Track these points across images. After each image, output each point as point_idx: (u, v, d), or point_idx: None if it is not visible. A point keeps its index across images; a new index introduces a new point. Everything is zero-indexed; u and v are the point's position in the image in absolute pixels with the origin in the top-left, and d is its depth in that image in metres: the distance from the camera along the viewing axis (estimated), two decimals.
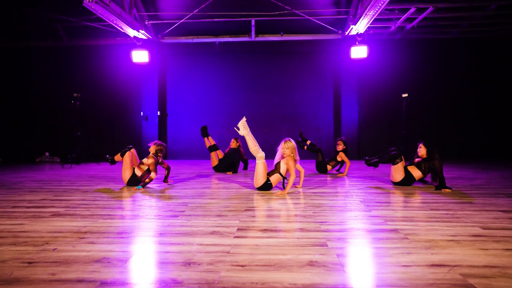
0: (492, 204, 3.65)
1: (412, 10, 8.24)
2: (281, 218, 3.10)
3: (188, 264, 1.96)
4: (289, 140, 4.51)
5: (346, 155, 6.65)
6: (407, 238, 2.43)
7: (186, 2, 9.72)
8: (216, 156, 7.24)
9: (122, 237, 2.49)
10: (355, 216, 3.14)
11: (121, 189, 4.84)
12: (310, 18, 9.30)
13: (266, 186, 4.54)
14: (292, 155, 4.47)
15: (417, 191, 4.57)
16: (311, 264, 1.95)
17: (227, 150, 7.34)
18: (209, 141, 7.35)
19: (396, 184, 5.01)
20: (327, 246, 2.27)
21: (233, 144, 7.30)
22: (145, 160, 4.97)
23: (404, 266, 1.91)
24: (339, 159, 6.72)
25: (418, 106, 10.11)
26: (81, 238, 2.49)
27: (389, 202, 3.81)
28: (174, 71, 11.17)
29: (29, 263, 2.00)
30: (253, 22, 9.78)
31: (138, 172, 4.95)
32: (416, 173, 4.91)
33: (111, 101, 10.88)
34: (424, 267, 1.90)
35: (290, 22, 9.97)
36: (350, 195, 4.29)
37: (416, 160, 4.97)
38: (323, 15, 9.71)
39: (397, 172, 4.93)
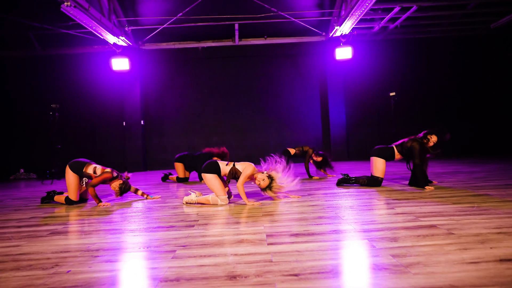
0: (509, 195, 3.60)
1: (396, 9, 8.32)
2: (307, 221, 2.89)
3: (233, 277, 1.71)
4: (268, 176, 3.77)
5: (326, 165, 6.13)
6: (453, 233, 2.28)
7: (167, 7, 9.44)
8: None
9: (143, 251, 2.21)
10: (382, 214, 2.98)
11: (116, 203, 4.49)
12: (294, 20, 9.23)
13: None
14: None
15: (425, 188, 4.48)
16: (372, 267, 1.76)
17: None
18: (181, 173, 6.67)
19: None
20: (375, 247, 2.08)
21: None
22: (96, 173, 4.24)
23: (472, 263, 1.75)
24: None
25: (403, 104, 10.20)
26: (95, 256, 2.18)
27: (407, 199, 3.68)
28: (156, 78, 10.80)
29: None
30: (236, 26, 9.60)
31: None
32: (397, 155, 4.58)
33: (91, 111, 10.35)
34: (493, 262, 1.74)
35: (274, 25, 9.87)
36: (361, 194, 4.15)
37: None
38: (307, 17, 9.67)
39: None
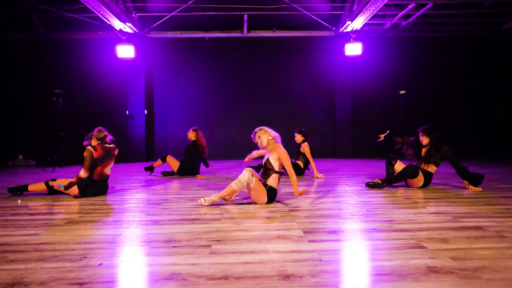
0: None
1: (411, 6, 8.18)
2: (340, 218, 2.75)
3: (287, 277, 1.57)
4: (260, 128, 3.54)
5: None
6: (505, 237, 2.15)
7: None
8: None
9: (174, 246, 2.05)
10: (417, 213, 2.85)
11: (123, 192, 4.32)
12: (305, 13, 9.04)
13: (272, 194, 3.37)
14: (272, 142, 3.44)
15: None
16: (432, 270, 1.62)
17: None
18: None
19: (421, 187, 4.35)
20: (427, 247, 1.95)
21: (191, 135, 6.12)
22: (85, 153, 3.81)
23: None
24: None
25: (411, 103, 10.09)
26: (123, 251, 2.02)
27: (435, 198, 3.56)
28: (161, 68, 10.56)
29: (80, 284, 1.53)
30: (245, 17, 9.39)
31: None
32: (431, 168, 4.29)
33: (94, 99, 10.11)
34: None
35: (283, 18, 9.68)
36: (382, 190, 4.02)
37: (423, 153, 4.32)
38: (318, 11, 9.49)
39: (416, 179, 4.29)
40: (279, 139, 3.51)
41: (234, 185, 3.21)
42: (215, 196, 3.29)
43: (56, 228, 2.53)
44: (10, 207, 3.36)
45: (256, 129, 3.55)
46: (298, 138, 5.81)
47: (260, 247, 2.01)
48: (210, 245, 2.06)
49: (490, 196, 3.61)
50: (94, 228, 2.54)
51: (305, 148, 5.64)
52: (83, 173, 3.73)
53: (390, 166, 4.37)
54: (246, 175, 3.18)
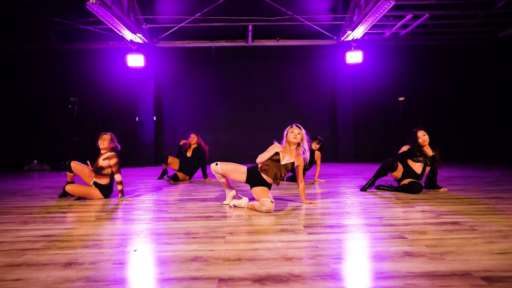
0: None
1: (409, 17, 8.56)
2: (336, 215, 3.11)
3: (289, 259, 1.94)
4: (300, 127, 3.60)
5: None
6: (476, 230, 2.51)
7: (183, 6, 9.66)
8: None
9: (194, 237, 2.43)
10: (406, 211, 3.21)
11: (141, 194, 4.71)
12: (308, 23, 9.46)
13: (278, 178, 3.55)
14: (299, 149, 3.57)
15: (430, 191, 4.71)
16: (407, 254, 1.98)
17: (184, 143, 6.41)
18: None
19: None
20: (407, 238, 2.31)
21: (196, 140, 6.30)
22: (104, 162, 4.12)
23: (500, 253, 1.98)
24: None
25: (411, 109, 10.43)
26: (153, 239, 2.40)
27: (425, 199, 3.91)
28: (169, 76, 11.01)
29: (122, 263, 1.91)
30: (250, 27, 9.81)
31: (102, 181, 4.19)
32: (416, 166, 4.48)
33: (105, 106, 10.57)
34: None
35: (286, 28, 10.09)
36: (379, 193, 4.37)
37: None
38: (320, 21, 9.90)
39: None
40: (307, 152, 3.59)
41: (257, 207, 3.32)
42: (243, 204, 3.53)
43: (89, 223, 2.92)
44: (43, 206, 3.76)
45: (297, 125, 3.61)
46: (314, 145, 6.14)
47: (267, 238, 2.38)
48: (224, 236, 2.44)
49: (476, 197, 3.95)
50: (121, 223, 2.92)
51: (318, 155, 6.00)
52: (120, 177, 4.07)
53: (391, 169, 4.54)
54: (271, 207, 3.25)
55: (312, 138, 6.21)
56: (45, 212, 3.41)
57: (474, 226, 2.62)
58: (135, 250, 2.15)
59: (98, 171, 4.12)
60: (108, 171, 4.14)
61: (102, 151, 4.17)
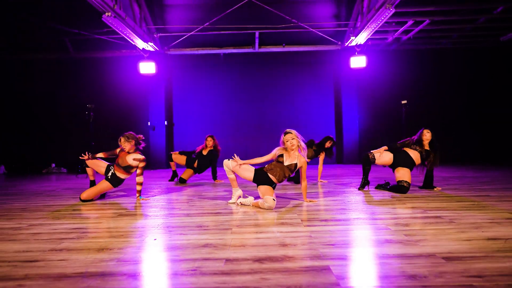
0: (506, 196, 4.11)
1: (410, 23, 8.84)
2: (332, 211, 3.45)
3: (285, 245, 2.29)
4: (291, 132, 3.84)
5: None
6: (454, 222, 2.82)
7: (193, 15, 10.10)
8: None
9: (205, 229, 2.79)
10: (396, 208, 3.52)
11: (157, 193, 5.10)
12: (312, 30, 9.81)
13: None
14: (299, 150, 3.86)
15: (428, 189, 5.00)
16: (387, 241, 2.32)
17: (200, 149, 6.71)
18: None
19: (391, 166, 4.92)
20: (391, 229, 2.64)
21: (212, 142, 6.65)
22: (134, 163, 4.45)
23: (466, 240, 2.30)
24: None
25: (414, 112, 10.68)
26: (168, 231, 2.78)
27: (417, 197, 4.22)
28: (180, 82, 11.47)
29: (144, 249, 2.29)
30: (257, 34, 10.20)
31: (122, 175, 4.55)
32: (414, 154, 4.80)
33: (118, 112, 11.06)
34: (482, 240, 2.29)
35: (292, 34, 10.45)
36: (376, 192, 4.69)
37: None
38: (324, 28, 10.24)
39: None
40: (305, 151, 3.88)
41: (261, 205, 3.64)
42: (248, 202, 3.90)
43: (111, 218, 3.31)
44: (69, 205, 4.17)
45: (289, 130, 3.84)
46: (328, 144, 6.45)
47: (268, 229, 2.73)
48: (231, 228, 2.80)
49: (466, 195, 4.24)
50: (140, 219, 3.31)
51: (322, 156, 6.34)
52: (142, 179, 4.47)
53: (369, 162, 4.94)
54: (273, 204, 3.60)
55: (326, 138, 6.59)
56: (71, 210, 3.82)
57: (454, 219, 2.93)
58: (155, 239, 2.53)
59: (127, 169, 4.49)
60: (134, 170, 4.56)
61: (129, 151, 4.52)
